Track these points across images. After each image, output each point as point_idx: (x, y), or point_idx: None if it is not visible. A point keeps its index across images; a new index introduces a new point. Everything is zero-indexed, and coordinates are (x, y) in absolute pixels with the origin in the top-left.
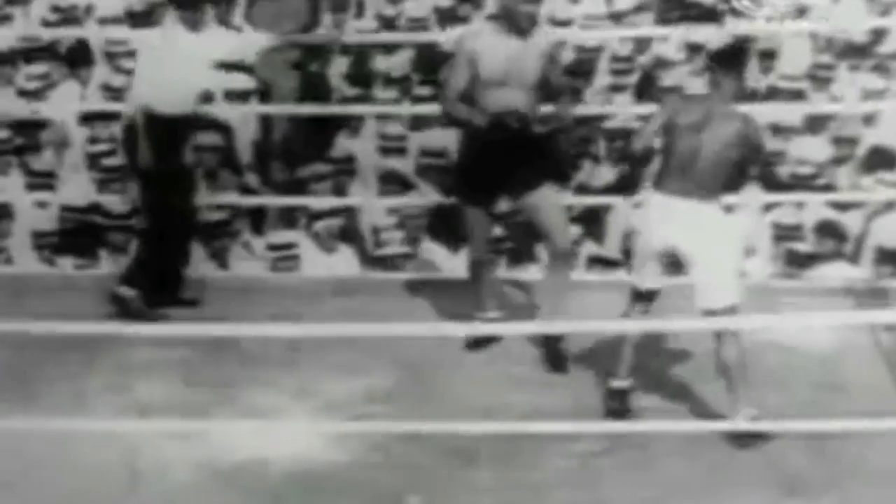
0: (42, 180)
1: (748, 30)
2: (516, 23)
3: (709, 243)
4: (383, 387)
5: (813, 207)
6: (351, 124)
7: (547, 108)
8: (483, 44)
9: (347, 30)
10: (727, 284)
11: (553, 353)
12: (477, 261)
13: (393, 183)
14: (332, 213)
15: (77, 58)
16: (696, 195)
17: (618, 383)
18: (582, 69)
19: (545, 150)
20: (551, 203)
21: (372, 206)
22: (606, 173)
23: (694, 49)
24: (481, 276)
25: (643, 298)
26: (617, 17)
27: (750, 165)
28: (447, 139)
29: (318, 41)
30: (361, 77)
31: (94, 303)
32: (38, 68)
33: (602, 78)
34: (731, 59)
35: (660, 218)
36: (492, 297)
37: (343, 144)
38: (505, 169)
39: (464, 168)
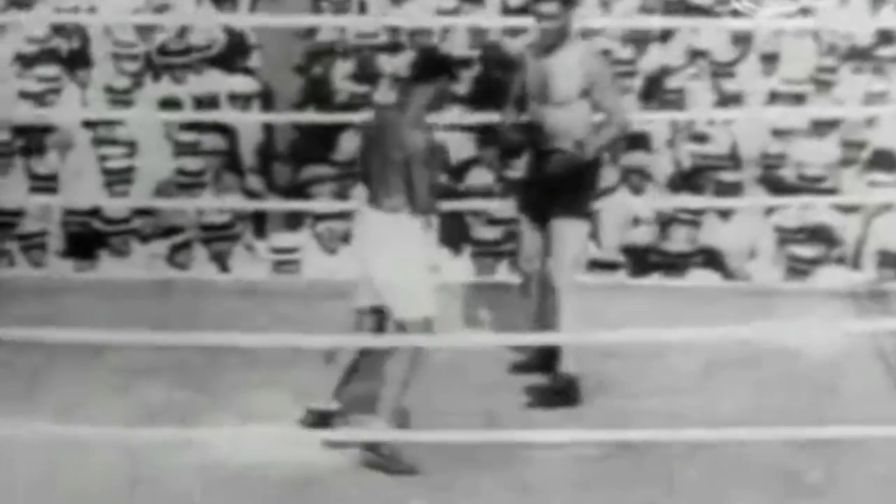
0: (45, 183)
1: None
2: (538, 40)
3: (392, 253)
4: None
5: (815, 210)
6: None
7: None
8: (529, 57)
9: (349, 32)
10: (417, 295)
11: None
12: (523, 276)
13: None
14: (337, 215)
15: (76, 60)
16: (377, 204)
17: (320, 405)
18: None
19: (583, 178)
20: (570, 236)
21: None
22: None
23: (696, 53)
24: (528, 291)
25: (367, 315)
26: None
27: (412, 173)
28: (450, 142)
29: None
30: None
31: (92, 305)
32: (49, 70)
33: None
34: (420, 69)
35: (361, 230)
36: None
37: (347, 147)
38: (547, 189)
39: (523, 179)
